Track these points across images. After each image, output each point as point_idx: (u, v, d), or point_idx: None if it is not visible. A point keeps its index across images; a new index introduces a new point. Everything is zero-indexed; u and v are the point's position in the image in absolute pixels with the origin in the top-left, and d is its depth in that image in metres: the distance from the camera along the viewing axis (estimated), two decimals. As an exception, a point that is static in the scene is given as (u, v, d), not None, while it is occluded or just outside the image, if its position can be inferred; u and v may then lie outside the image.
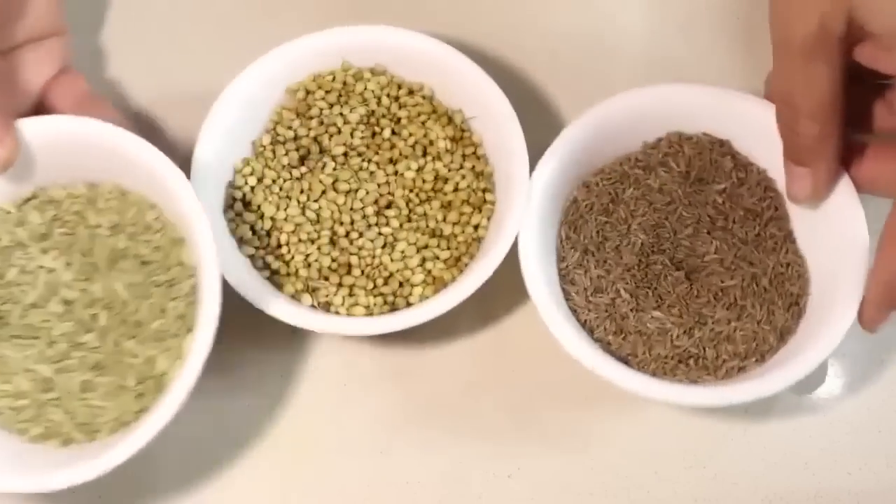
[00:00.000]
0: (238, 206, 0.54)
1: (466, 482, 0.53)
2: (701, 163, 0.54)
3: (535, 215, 0.52)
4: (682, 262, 0.53)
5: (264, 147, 0.56)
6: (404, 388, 0.55)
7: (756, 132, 0.53)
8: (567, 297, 0.53)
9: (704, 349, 0.52)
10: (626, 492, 0.53)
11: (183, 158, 0.52)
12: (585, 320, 0.52)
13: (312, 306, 0.53)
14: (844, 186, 0.51)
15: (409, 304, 0.53)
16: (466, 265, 0.54)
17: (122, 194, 0.52)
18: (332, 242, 0.54)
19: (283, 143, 0.56)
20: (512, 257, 0.51)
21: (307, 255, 0.54)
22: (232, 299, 0.54)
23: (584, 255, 0.53)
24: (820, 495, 0.53)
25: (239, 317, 0.55)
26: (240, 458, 0.53)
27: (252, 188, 0.55)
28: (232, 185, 0.55)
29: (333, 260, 0.54)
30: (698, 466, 0.53)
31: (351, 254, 0.54)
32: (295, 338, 0.55)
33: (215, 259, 0.48)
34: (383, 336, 0.55)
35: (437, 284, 0.53)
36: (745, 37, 0.60)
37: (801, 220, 0.54)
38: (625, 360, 0.52)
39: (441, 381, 0.55)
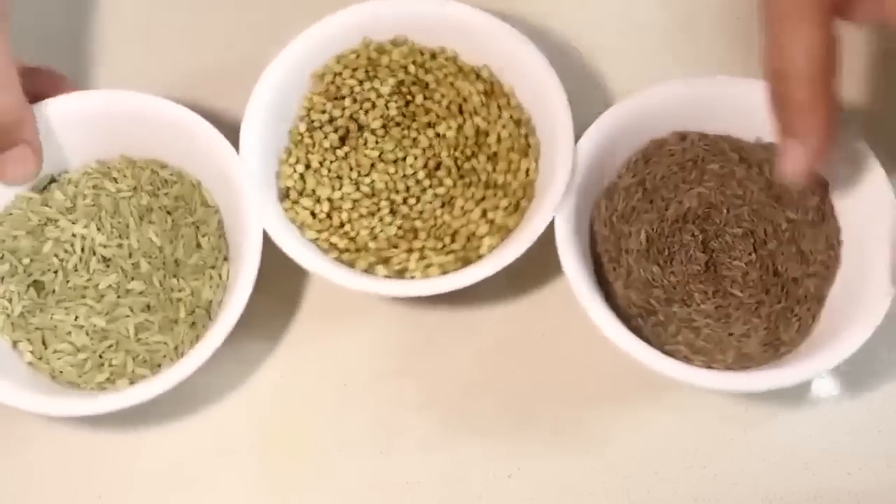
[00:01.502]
0: (293, 195, 0.55)
1: (466, 482, 0.53)
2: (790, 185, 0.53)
3: (592, 147, 0.53)
4: (712, 251, 0.53)
5: (302, 135, 0.56)
6: (404, 388, 0.54)
7: (860, 188, 0.52)
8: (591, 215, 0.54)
9: (666, 326, 0.52)
10: (626, 492, 0.53)
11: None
12: (595, 229, 0.53)
13: (387, 276, 0.53)
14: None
15: (479, 257, 0.53)
16: (526, 209, 0.54)
17: (132, 162, 0.56)
18: (393, 212, 0.54)
19: (321, 128, 0.56)
20: (518, 261, 0.51)
21: (372, 228, 0.54)
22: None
23: (638, 185, 0.54)
24: (820, 495, 0.53)
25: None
26: (240, 458, 0.53)
27: (301, 175, 0.55)
28: (280, 176, 0.55)
29: (399, 227, 0.54)
30: (698, 466, 0.53)
31: (413, 219, 0.54)
32: (294, 337, 0.55)
33: (253, 194, 0.52)
34: (383, 336, 0.55)
35: (502, 233, 0.53)
36: (745, 37, 0.60)
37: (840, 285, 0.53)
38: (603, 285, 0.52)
39: (441, 381, 0.55)
